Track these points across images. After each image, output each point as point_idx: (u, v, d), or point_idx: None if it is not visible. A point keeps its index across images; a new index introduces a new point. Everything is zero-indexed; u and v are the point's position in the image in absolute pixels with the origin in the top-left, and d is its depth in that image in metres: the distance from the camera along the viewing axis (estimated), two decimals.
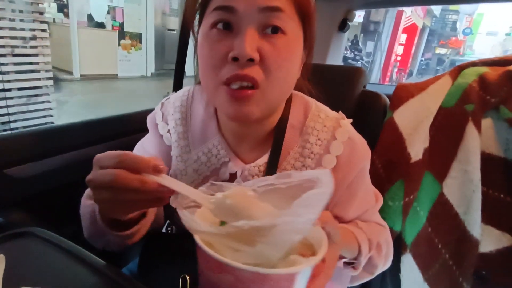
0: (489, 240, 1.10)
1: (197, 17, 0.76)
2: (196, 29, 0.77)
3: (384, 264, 0.92)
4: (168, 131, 0.92)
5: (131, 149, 1.15)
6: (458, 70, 1.26)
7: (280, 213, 0.50)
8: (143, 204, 0.60)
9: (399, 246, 1.23)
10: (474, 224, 1.09)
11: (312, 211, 0.46)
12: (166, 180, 0.54)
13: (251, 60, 0.65)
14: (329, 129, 0.82)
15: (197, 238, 0.48)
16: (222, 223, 0.54)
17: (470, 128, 1.10)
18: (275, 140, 0.82)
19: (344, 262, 0.83)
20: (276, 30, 0.66)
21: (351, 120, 0.86)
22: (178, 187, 0.55)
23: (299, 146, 0.82)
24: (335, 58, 2.05)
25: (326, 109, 0.87)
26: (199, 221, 0.49)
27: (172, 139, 0.91)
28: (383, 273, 0.96)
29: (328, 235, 0.57)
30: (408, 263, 1.22)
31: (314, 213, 0.46)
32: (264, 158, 0.83)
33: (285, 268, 0.46)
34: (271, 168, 0.81)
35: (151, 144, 0.97)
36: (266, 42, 0.66)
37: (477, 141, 1.09)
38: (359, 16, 14.15)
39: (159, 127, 0.94)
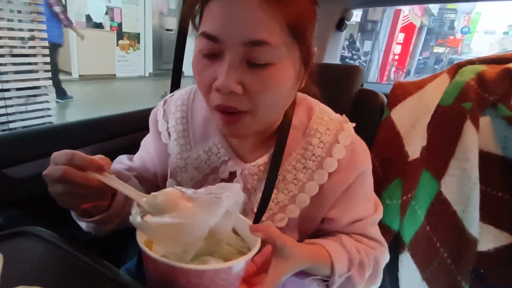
0: (487, 238, 1.10)
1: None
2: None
3: (367, 285, 0.90)
4: (167, 129, 0.93)
5: (130, 147, 1.16)
6: (456, 68, 1.26)
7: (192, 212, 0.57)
8: (88, 197, 0.67)
9: (397, 244, 1.23)
10: (472, 222, 1.09)
11: (210, 216, 0.54)
12: (106, 178, 0.62)
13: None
14: (332, 132, 0.82)
15: (137, 235, 0.56)
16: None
17: (468, 126, 1.10)
18: (278, 141, 0.82)
19: (319, 279, 0.82)
20: (262, 62, 0.64)
21: (354, 124, 0.85)
22: (116, 185, 0.62)
23: (301, 148, 0.83)
24: (332, 57, 2.05)
25: (330, 111, 0.87)
26: (138, 217, 0.56)
27: (172, 137, 0.92)
28: (382, 272, 0.95)
29: (274, 249, 0.67)
30: (406, 261, 1.22)
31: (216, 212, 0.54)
32: (264, 158, 0.84)
33: (192, 264, 0.53)
34: (274, 168, 0.81)
35: (150, 141, 0.99)
36: (251, 74, 0.65)
37: (475, 139, 1.09)
38: (356, 15, 14.15)
39: (159, 124, 0.95)
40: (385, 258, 0.94)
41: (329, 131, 0.82)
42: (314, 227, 0.89)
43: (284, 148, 0.82)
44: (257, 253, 0.69)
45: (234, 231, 0.67)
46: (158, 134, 0.95)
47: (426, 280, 1.19)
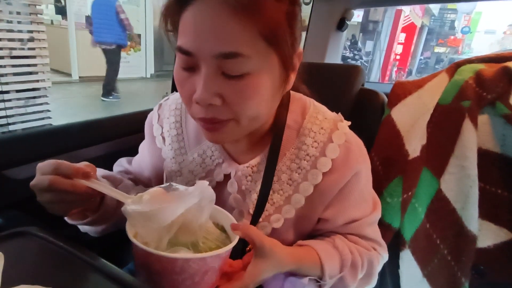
0: (486, 235, 1.10)
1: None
2: None
3: (361, 285, 0.91)
4: (162, 133, 0.94)
5: (129, 149, 1.16)
6: (454, 67, 1.26)
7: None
8: (77, 203, 0.70)
9: (398, 242, 1.23)
10: (472, 219, 1.09)
11: (177, 205, 0.59)
12: (94, 184, 0.66)
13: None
14: (326, 131, 0.81)
15: (127, 225, 0.62)
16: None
17: (467, 124, 1.10)
18: (273, 142, 0.82)
19: (311, 278, 0.82)
20: (236, 73, 0.64)
21: (349, 123, 0.85)
22: (103, 189, 0.66)
23: (295, 148, 0.82)
24: (333, 57, 2.05)
25: (325, 110, 0.87)
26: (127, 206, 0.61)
27: (166, 142, 0.93)
28: (383, 270, 0.95)
29: (253, 248, 0.70)
30: (407, 259, 1.22)
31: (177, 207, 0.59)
32: (258, 159, 0.84)
33: (166, 252, 0.58)
34: (269, 169, 0.81)
35: (146, 145, 1.01)
36: (228, 85, 0.64)
37: (473, 137, 1.10)
38: (358, 15, 14.14)
39: (154, 128, 0.96)
40: (383, 258, 0.94)
41: (323, 130, 0.81)
42: (310, 227, 0.89)
43: (279, 149, 0.81)
44: (247, 252, 0.77)
45: (223, 229, 0.73)
46: (153, 139, 0.96)
47: (427, 277, 1.19)
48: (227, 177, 0.86)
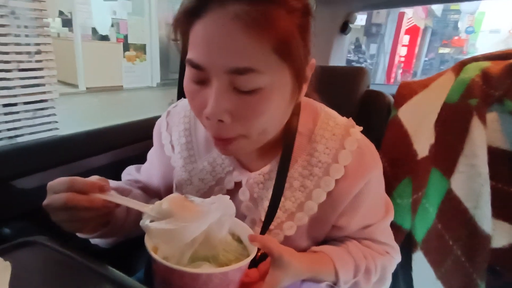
0: (501, 234, 1.09)
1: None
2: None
3: None
4: (170, 141, 0.93)
5: (137, 157, 1.15)
6: (460, 66, 1.25)
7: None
8: (95, 218, 0.69)
9: (409, 244, 1.22)
10: (485, 219, 1.07)
11: (200, 222, 0.60)
12: (111, 197, 0.66)
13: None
14: (337, 138, 0.80)
15: (146, 238, 0.61)
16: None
17: (475, 122, 1.09)
18: (284, 150, 0.80)
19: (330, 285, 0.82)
20: (248, 89, 0.62)
21: (361, 128, 0.83)
22: (121, 200, 0.66)
23: (307, 154, 0.81)
24: (337, 60, 2.05)
25: (336, 115, 0.85)
26: (146, 221, 0.61)
27: (175, 150, 0.92)
28: (395, 272, 0.94)
29: (271, 258, 0.70)
30: (420, 260, 1.21)
31: (202, 223, 0.60)
32: (269, 166, 0.83)
33: (187, 268, 0.58)
34: (281, 176, 0.80)
35: (155, 153, 0.99)
36: (239, 101, 0.62)
37: (482, 135, 1.09)
38: (361, 19, 14.15)
39: (162, 136, 0.95)
40: (395, 260, 0.94)
41: (334, 137, 0.80)
42: (324, 233, 0.88)
43: (290, 156, 0.80)
44: (262, 261, 0.76)
45: (239, 239, 0.72)
46: (162, 147, 0.95)
47: (441, 279, 1.17)
48: (237, 184, 0.85)
